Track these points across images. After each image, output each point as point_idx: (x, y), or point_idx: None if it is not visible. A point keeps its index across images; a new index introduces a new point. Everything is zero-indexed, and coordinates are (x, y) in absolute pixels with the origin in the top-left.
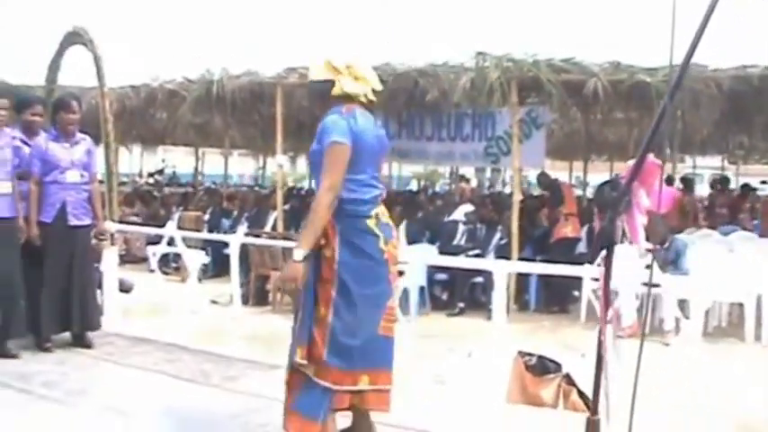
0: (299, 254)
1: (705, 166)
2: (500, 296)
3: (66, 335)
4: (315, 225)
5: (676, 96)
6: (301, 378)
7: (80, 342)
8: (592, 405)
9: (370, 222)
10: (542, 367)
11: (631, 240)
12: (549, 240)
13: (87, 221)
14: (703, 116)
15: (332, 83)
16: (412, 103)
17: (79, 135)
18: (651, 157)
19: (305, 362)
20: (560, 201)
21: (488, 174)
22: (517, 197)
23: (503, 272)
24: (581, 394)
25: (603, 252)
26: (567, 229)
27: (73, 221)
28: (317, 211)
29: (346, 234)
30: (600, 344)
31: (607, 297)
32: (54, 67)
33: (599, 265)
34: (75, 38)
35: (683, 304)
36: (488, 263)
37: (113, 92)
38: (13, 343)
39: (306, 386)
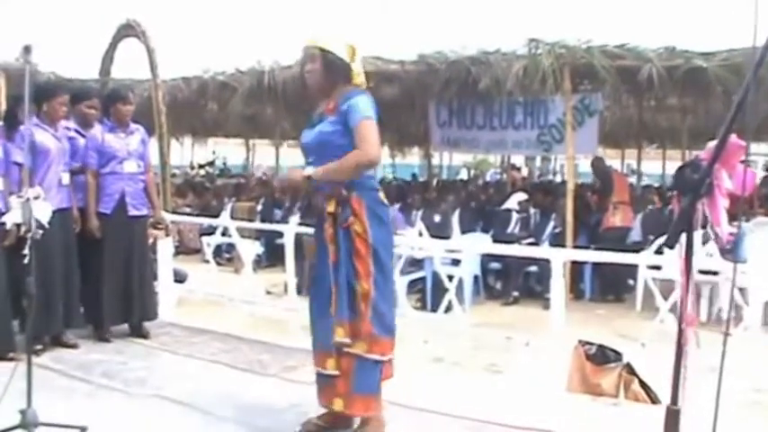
0: (309, 171)
1: (759, 153)
2: (558, 284)
3: (124, 325)
4: (337, 175)
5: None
6: (351, 359)
7: (137, 332)
8: (671, 395)
9: (381, 194)
10: (603, 356)
11: (712, 225)
12: (600, 229)
13: (145, 211)
14: (761, 101)
15: (348, 66)
16: (464, 91)
17: (133, 125)
18: (734, 137)
19: (347, 340)
20: (610, 189)
21: (538, 162)
22: (571, 185)
23: (561, 260)
24: (642, 384)
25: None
26: (616, 219)
27: (132, 212)
28: (348, 167)
29: (371, 206)
30: (680, 333)
31: (687, 284)
32: (107, 59)
33: (657, 252)
34: (127, 30)
35: (740, 293)
36: (546, 251)
37: (165, 84)
38: (72, 333)
39: (358, 365)
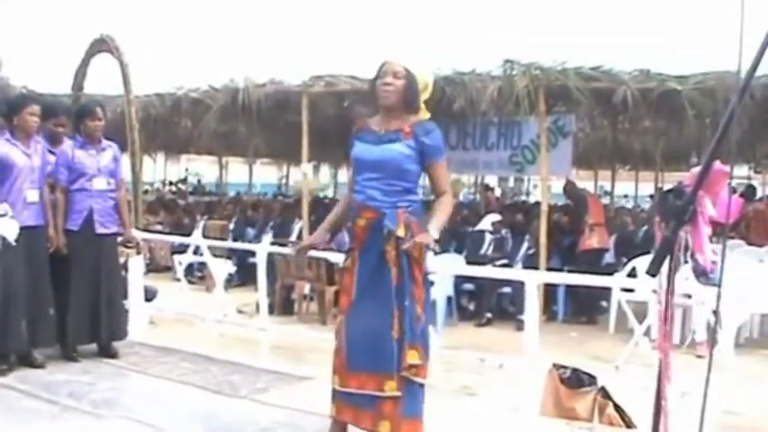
0: (435, 235)
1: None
2: (533, 307)
3: (93, 344)
4: (443, 224)
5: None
6: (403, 381)
7: (106, 352)
8: (653, 425)
9: None
10: (577, 380)
11: (695, 252)
12: (576, 251)
13: (114, 229)
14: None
15: (419, 97)
16: (438, 111)
17: (105, 142)
18: (718, 163)
19: (421, 362)
20: (584, 212)
21: (511, 183)
22: (545, 206)
23: (535, 282)
24: (617, 408)
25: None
26: (593, 240)
27: (100, 229)
28: (448, 214)
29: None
30: (661, 363)
31: (668, 312)
32: (80, 74)
33: (630, 275)
34: (101, 45)
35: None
36: (520, 273)
37: (138, 100)
38: (39, 352)
39: (407, 389)
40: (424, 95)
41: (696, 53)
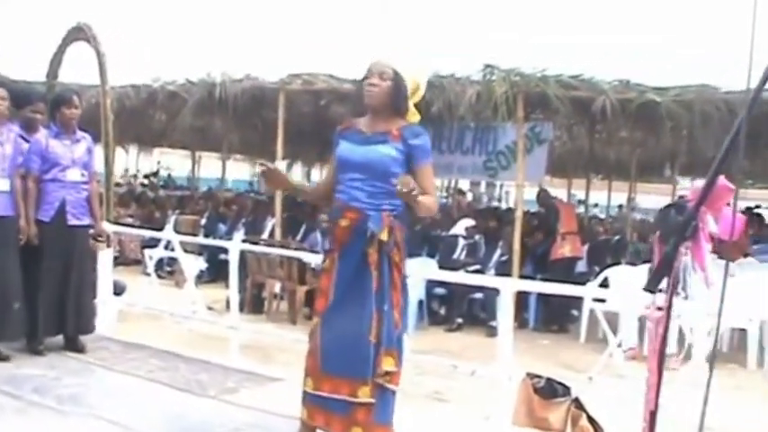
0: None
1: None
2: (507, 314)
3: (59, 338)
4: (425, 210)
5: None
6: (376, 388)
7: (73, 346)
8: None
9: None
10: (551, 390)
11: (696, 269)
12: (549, 259)
13: (86, 221)
14: (710, 139)
15: (408, 99)
16: None
17: (80, 133)
18: (722, 179)
19: (395, 368)
20: (555, 221)
21: (483, 188)
22: (519, 213)
23: (510, 290)
24: (590, 420)
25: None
26: (565, 249)
27: (72, 221)
28: (427, 209)
29: (404, 238)
30: (651, 384)
31: (666, 329)
32: (55, 62)
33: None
34: (78, 33)
35: (690, 331)
36: (495, 280)
37: (113, 91)
38: (3, 345)
39: (381, 396)
40: (415, 98)
41: (695, 53)
